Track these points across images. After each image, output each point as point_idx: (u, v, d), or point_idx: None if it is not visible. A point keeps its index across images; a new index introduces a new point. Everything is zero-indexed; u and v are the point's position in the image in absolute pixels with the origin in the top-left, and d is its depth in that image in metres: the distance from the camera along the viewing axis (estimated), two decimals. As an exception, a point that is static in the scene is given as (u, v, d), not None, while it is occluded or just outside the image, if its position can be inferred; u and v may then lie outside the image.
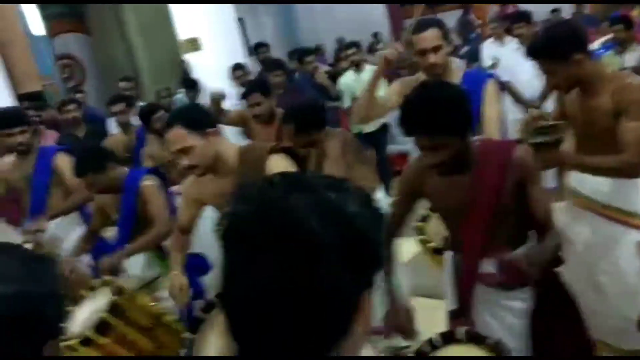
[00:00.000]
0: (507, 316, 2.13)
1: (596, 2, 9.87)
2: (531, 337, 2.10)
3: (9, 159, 3.88)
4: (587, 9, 10.28)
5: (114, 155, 3.40)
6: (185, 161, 2.34)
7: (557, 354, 2.07)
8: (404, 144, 6.22)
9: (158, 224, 3.15)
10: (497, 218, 2.02)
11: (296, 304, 0.74)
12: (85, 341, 2.64)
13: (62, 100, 6.06)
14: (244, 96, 4.17)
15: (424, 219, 2.85)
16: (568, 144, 2.73)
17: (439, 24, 2.83)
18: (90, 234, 3.55)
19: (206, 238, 3.43)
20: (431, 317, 2.83)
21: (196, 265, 3.29)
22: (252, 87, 4.18)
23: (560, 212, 2.58)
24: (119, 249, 3.21)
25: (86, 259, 3.62)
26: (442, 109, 1.87)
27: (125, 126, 4.95)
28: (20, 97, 8.11)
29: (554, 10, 10.11)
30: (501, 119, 3.00)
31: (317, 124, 3.31)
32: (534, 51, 2.46)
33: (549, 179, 3.23)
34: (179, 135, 2.33)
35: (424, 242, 2.76)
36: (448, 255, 2.31)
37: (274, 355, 0.77)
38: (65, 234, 3.82)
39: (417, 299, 3.67)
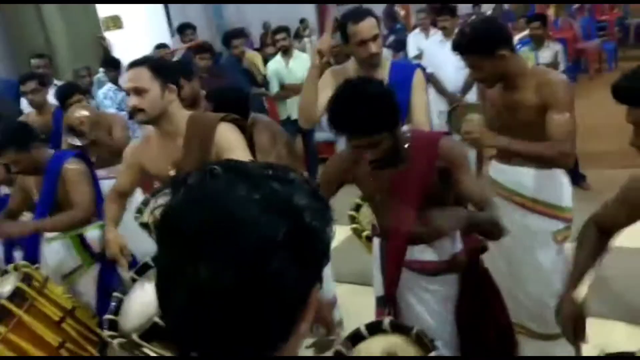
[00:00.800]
0: (431, 301, 2.20)
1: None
2: (456, 321, 2.19)
3: None
4: (506, 5, 10.75)
5: (38, 135, 3.19)
6: (134, 101, 2.30)
7: (480, 337, 2.17)
8: (330, 132, 6.24)
9: (76, 208, 3.03)
10: (425, 206, 2.04)
11: (243, 303, 0.70)
12: None
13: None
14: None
15: (357, 207, 2.88)
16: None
17: (372, 13, 2.83)
18: (8, 215, 3.30)
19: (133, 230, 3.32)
20: (359, 303, 2.88)
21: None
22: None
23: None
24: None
25: None
26: (374, 109, 1.89)
27: (39, 106, 4.66)
28: None
29: (474, 5, 10.47)
30: (428, 109, 3.06)
31: (235, 111, 3.21)
32: (460, 47, 2.52)
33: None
34: (141, 75, 2.30)
35: (357, 230, 2.80)
36: (376, 241, 2.35)
37: (218, 356, 0.74)
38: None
39: (344, 285, 3.74)
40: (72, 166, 3.08)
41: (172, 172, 2.44)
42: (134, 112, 2.35)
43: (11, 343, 2.57)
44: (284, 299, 0.72)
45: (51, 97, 4.81)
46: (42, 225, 3.05)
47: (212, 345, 0.73)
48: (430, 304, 2.21)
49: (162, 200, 3.36)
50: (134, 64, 2.37)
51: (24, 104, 5.29)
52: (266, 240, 0.71)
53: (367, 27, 2.76)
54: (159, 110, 2.35)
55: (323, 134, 6.53)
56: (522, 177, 2.65)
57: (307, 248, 0.74)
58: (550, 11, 10.14)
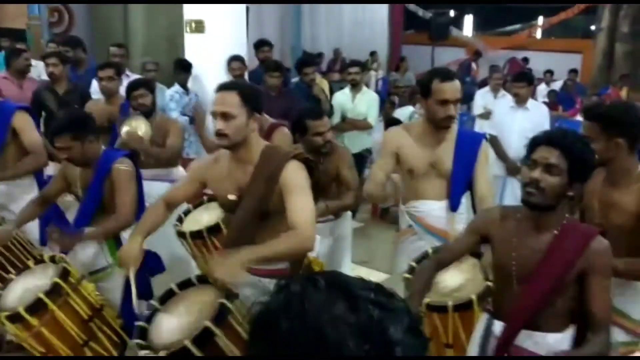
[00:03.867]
0: None
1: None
2: None
3: None
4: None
5: (97, 129, 3.20)
6: (220, 125, 2.34)
7: None
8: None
9: (121, 214, 3.01)
10: (554, 296, 2.01)
11: None
12: (14, 317, 2.54)
13: (45, 53, 5.81)
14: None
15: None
16: None
17: (459, 77, 2.87)
18: (42, 199, 3.30)
19: (166, 239, 3.34)
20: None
21: (149, 264, 3.15)
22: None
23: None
24: (77, 228, 3.08)
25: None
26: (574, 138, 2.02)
27: (111, 94, 4.75)
28: (0, 31, 7.85)
29: (545, 73, 10.44)
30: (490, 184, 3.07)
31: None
32: (590, 111, 2.49)
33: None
34: (231, 101, 2.34)
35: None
36: (484, 317, 2.27)
37: None
38: (17, 197, 3.65)
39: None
40: (122, 167, 3.06)
41: (232, 197, 2.45)
42: (217, 136, 2.38)
43: (41, 337, 2.59)
44: None
45: (122, 89, 4.90)
46: (90, 235, 3.01)
47: None
48: None
49: (202, 213, 3.39)
50: (225, 87, 2.40)
51: (94, 87, 5.41)
52: None
53: (453, 88, 2.80)
54: (241, 137, 2.37)
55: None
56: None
57: None
58: (623, 93, 9.94)
